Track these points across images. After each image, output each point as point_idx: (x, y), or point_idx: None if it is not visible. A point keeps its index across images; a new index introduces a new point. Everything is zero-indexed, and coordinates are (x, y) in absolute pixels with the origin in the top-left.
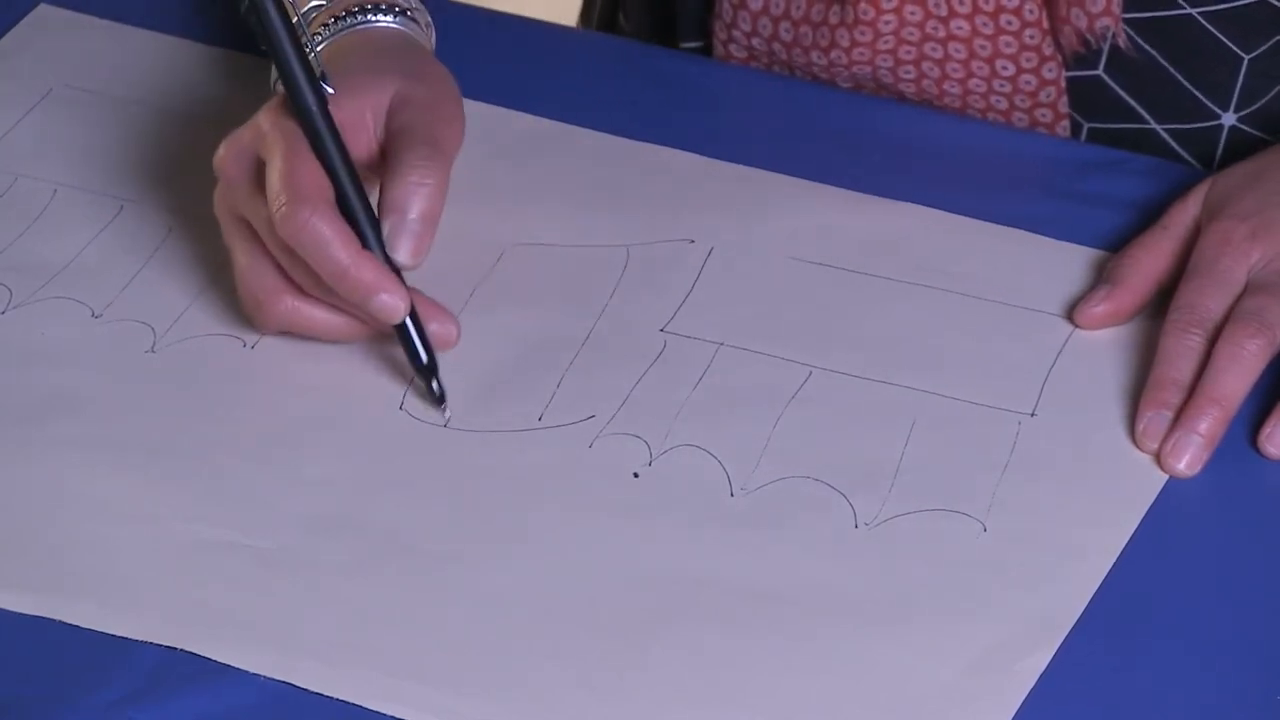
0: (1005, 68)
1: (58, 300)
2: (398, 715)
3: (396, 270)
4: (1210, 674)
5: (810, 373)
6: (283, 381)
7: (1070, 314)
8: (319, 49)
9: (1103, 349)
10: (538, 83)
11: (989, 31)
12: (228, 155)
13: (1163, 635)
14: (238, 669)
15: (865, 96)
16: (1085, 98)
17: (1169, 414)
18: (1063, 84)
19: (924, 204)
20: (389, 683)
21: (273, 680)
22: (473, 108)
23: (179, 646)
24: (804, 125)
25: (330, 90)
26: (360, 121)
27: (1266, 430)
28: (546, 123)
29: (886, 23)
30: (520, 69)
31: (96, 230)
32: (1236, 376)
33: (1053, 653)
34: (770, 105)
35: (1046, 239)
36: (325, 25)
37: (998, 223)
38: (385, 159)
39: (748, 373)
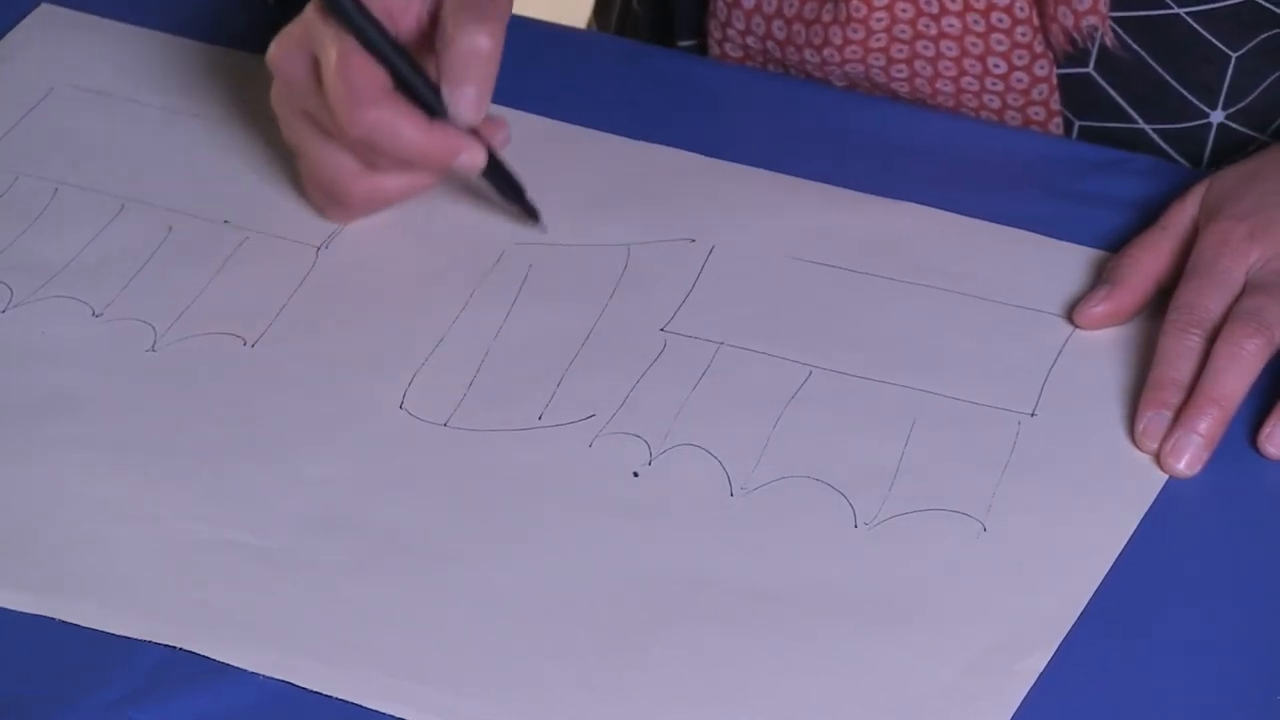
0: (997, 65)
1: (58, 299)
2: (398, 715)
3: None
4: (1210, 674)
5: (810, 373)
6: (283, 381)
7: (1070, 314)
8: None
9: (1102, 349)
10: (538, 83)
11: (980, 29)
12: (280, 53)
13: (1163, 635)
14: (238, 669)
15: (866, 96)
16: (1076, 96)
17: (1168, 414)
18: (1054, 81)
19: (924, 204)
20: (389, 682)
21: (273, 680)
22: None
23: (179, 646)
24: (804, 125)
25: None
26: (405, 2)
27: (1266, 430)
28: (547, 122)
29: (879, 20)
30: (521, 69)
31: (97, 229)
32: (1235, 376)
33: (1052, 653)
34: (771, 105)
35: (1046, 239)
36: None
37: (998, 223)
38: (435, 28)
39: (748, 372)
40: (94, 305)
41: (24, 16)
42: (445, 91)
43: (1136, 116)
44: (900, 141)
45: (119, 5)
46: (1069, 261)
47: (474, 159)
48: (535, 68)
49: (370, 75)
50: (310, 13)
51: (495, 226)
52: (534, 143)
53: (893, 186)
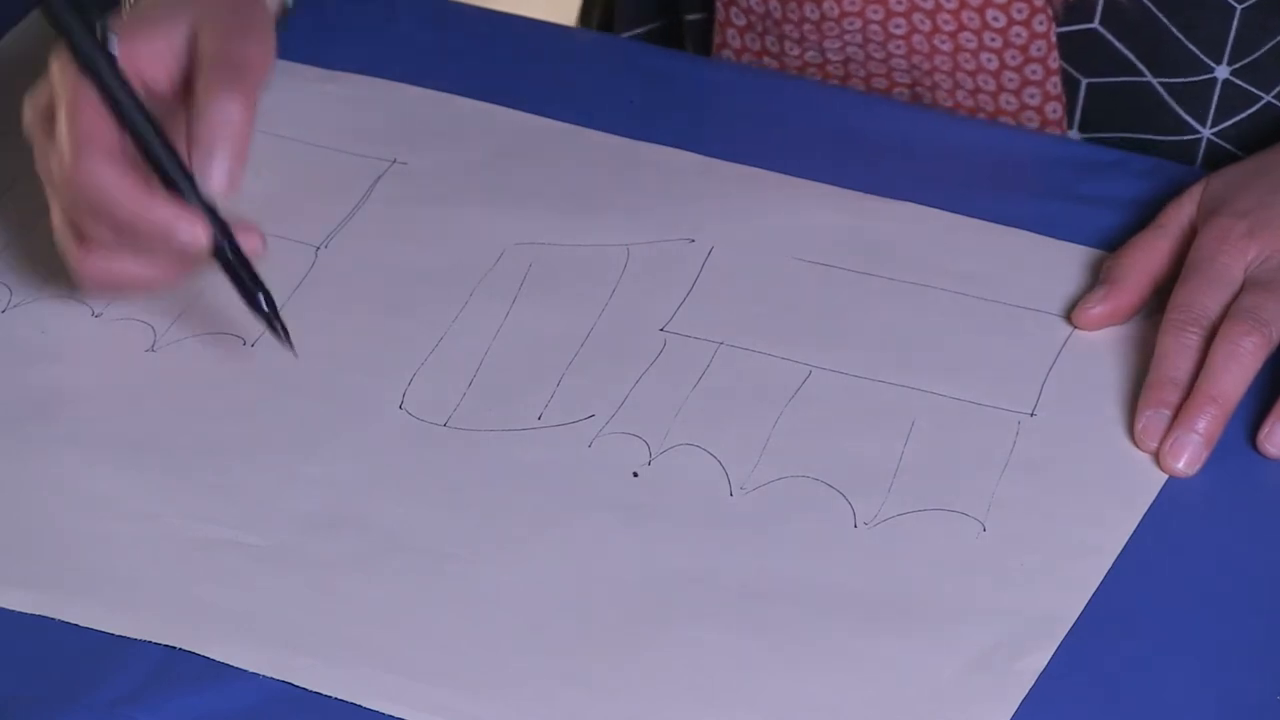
0: (996, 19)
1: (58, 299)
2: (398, 714)
3: (211, 205)
4: (1210, 674)
5: (810, 372)
6: (283, 381)
7: (1069, 316)
8: None
9: (1102, 349)
10: (538, 82)
11: None
12: (31, 115)
13: (1162, 635)
14: (238, 669)
15: (867, 96)
16: (1081, 51)
17: (1168, 413)
18: (1053, 38)
19: (924, 203)
20: (389, 681)
21: (273, 680)
22: (473, 107)
23: (179, 645)
24: (805, 125)
25: (114, 38)
26: (156, 51)
27: (1266, 429)
28: (547, 122)
29: None
30: (520, 69)
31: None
32: (1234, 374)
33: (1052, 652)
34: (771, 105)
35: (1046, 239)
36: None
37: (998, 222)
38: (189, 88)
39: (748, 372)
40: (94, 305)
41: (24, 17)
42: (194, 161)
43: (1144, 70)
44: (900, 141)
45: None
46: (1069, 261)
47: (194, 235)
48: (534, 67)
49: (99, 127)
50: (53, 59)
51: (495, 226)
52: (534, 143)
53: (893, 186)
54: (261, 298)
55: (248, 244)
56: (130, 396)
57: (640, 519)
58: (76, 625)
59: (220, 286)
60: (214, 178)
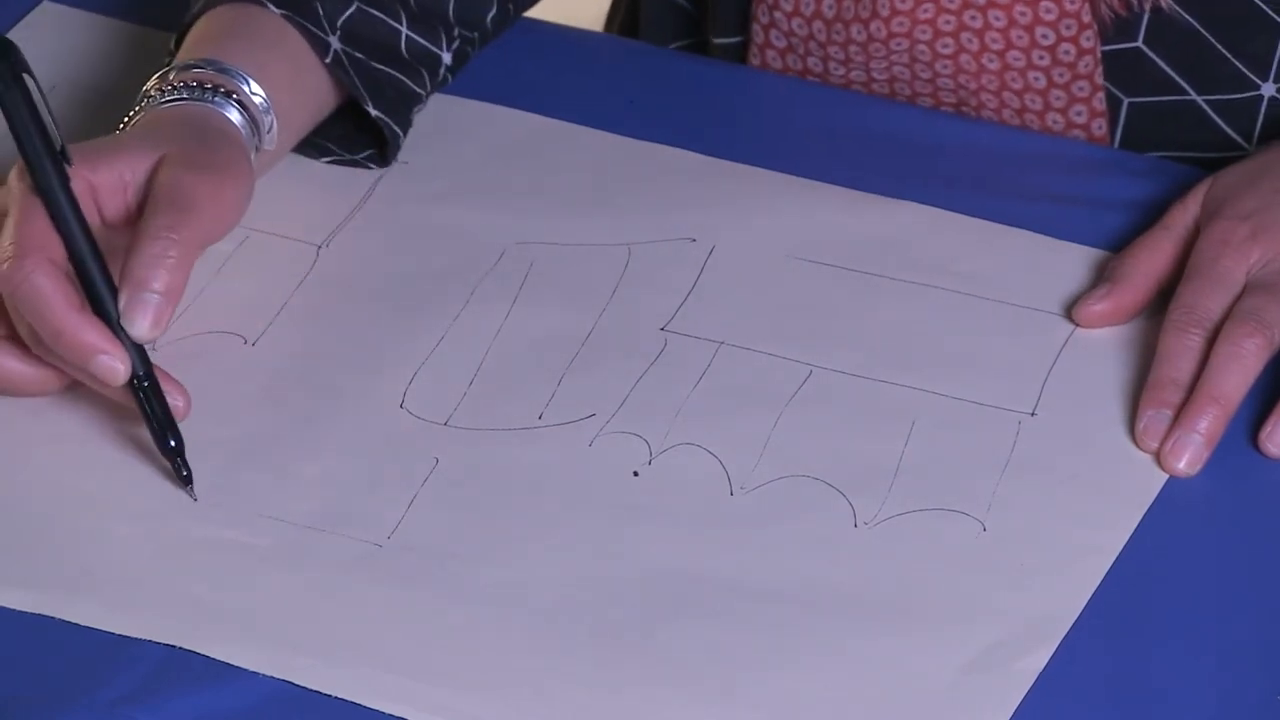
0: (1045, 36)
1: None
2: (398, 714)
3: (129, 339)
4: (1210, 674)
5: (810, 372)
6: (283, 380)
7: (1071, 313)
8: (143, 115)
9: (1103, 349)
10: (539, 82)
11: None
12: None
13: (1162, 635)
14: (238, 669)
15: (866, 95)
16: (1125, 72)
17: (1169, 413)
18: (1099, 54)
19: (924, 203)
20: (389, 681)
21: (273, 679)
22: (473, 107)
23: (179, 645)
24: (805, 124)
25: (69, 164)
26: (117, 181)
27: (1267, 429)
28: (547, 122)
29: None
30: (521, 69)
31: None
32: (1236, 375)
33: (1051, 652)
34: (771, 105)
35: (1046, 239)
36: (163, 92)
37: (998, 222)
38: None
39: (748, 372)
40: None
41: (26, 14)
42: (123, 296)
43: (1188, 88)
44: (901, 141)
45: (120, 4)
46: (1069, 261)
47: (113, 365)
48: (535, 67)
49: (45, 238)
50: (13, 171)
51: (495, 226)
52: (534, 143)
53: (893, 186)
54: (170, 438)
55: (174, 398)
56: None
57: (641, 518)
58: (76, 625)
59: (220, 286)
60: (141, 316)
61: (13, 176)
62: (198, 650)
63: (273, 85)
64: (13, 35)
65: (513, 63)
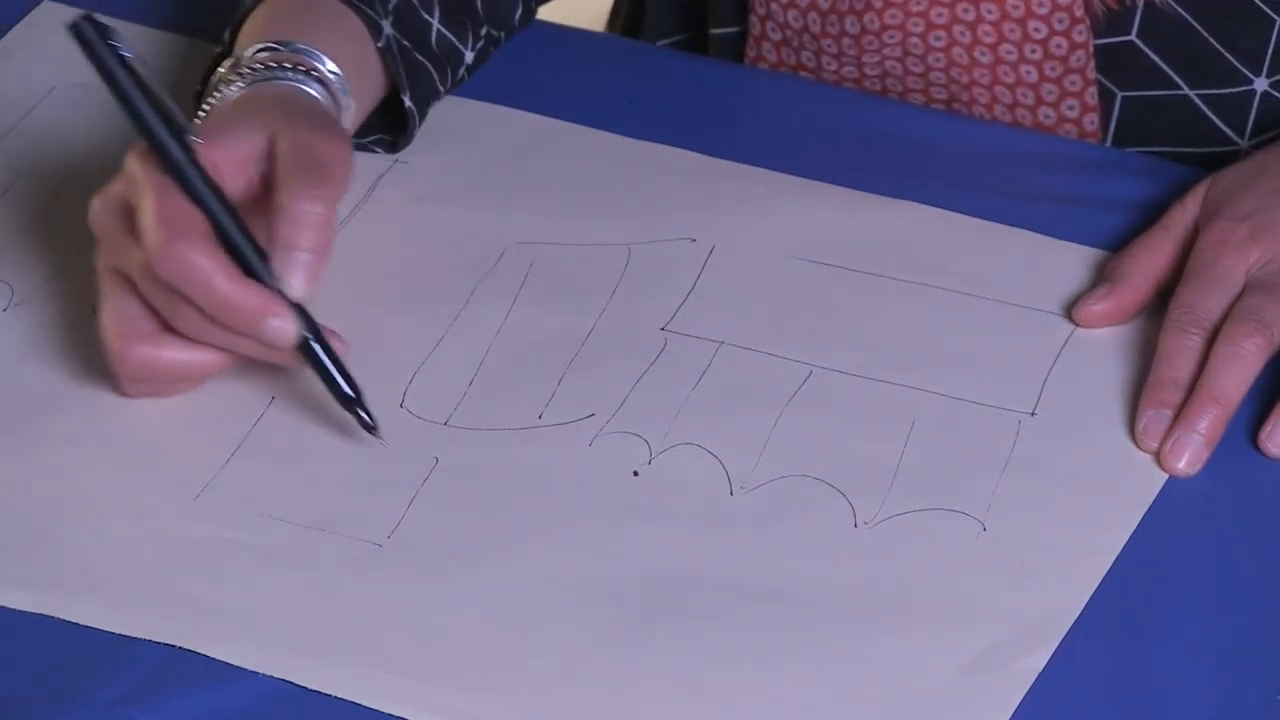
0: (1037, 29)
1: (59, 298)
2: (398, 714)
3: (290, 301)
4: (1210, 674)
5: (810, 372)
6: (283, 380)
7: (1070, 312)
8: (229, 97)
9: (1103, 349)
10: (539, 82)
11: None
12: (100, 209)
13: (1162, 635)
14: (238, 669)
15: (867, 95)
16: (1118, 65)
17: (1169, 413)
18: (1091, 48)
19: (924, 203)
20: (389, 681)
21: (273, 679)
22: (473, 107)
23: (179, 644)
24: (805, 124)
25: (196, 139)
26: (236, 156)
27: (1267, 429)
28: (547, 122)
29: None
30: (521, 69)
31: None
32: (1235, 375)
33: (1051, 652)
34: (771, 104)
35: (1046, 239)
36: (242, 75)
37: (998, 222)
38: (270, 191)
39: (748, 372)
40: (95, 303)
41: (26, 14)
42: (276, 258)
43: (1181, 83)
44: (900, 141)
45: (121, 4)
46: (1069, 261)
47: (285, 327)
48: (535, 66)
49: (188, 216)
50: (131, 158)
51: (495, 226)
52: (534, 143)
53: (893, 186)
54: (346, 385)
55: (336, 343)
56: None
57: (641, 518)
58: (76, 625)
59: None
60: (296, 276)
61: (131, 162)
62: (198, 650)
63: (344, 64)
64: (13, 35)
65: (513, 63)
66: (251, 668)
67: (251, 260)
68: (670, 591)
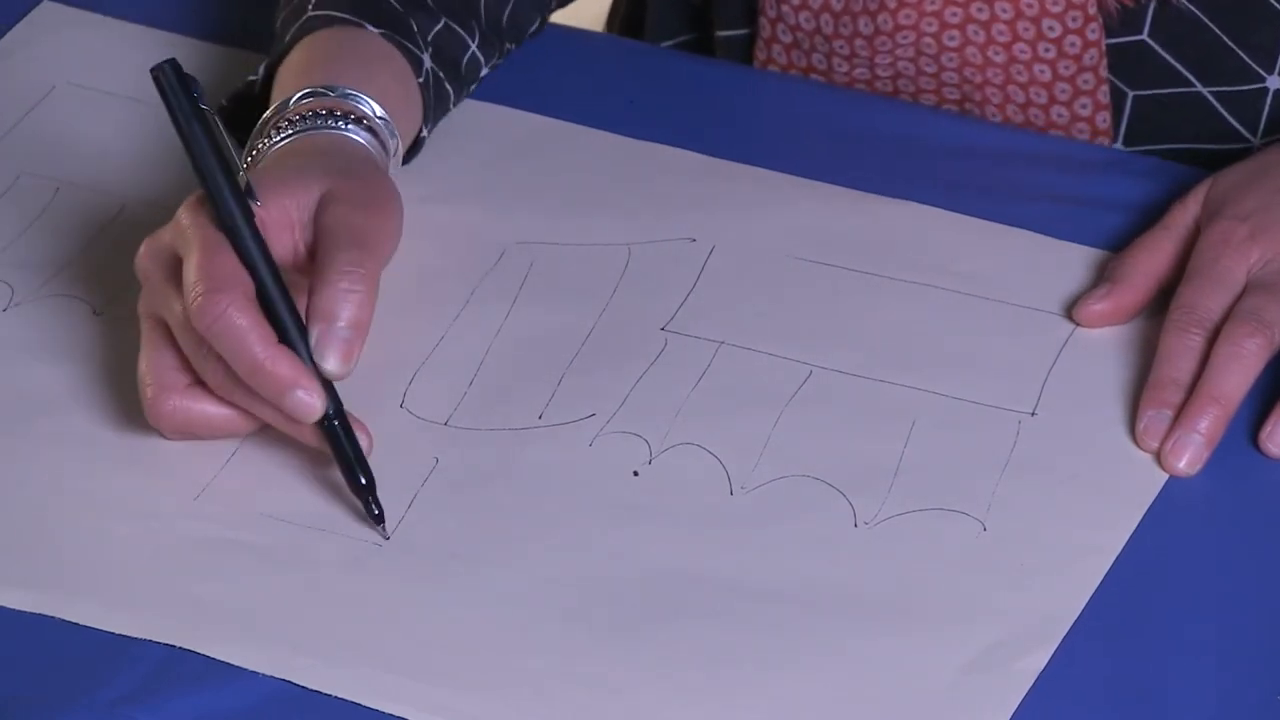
0: (1051, 28)
1: (59, 298)
2: (398, 714)
3: (320, 376)
4: (1210, 674)
5: (810, 372)
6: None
7: (1071, 312)
8: (277, 146)
9: (1103, 348)
10: (539, 82)
11: None
12: (147, 254)
13: (1162, 635)
14: (238, 668)
15: (867, 95)
16: (1130, 65)
17: (1169, 413)
18: (1104, 47)
19: (925, 203)
20: (389, 681)
21: (273, 679)
22: (473, 107)
23: (179, 644)
24: (805, 124)
25: (257, 203)
26: (285, 219)
27: (1267, 429)
28: (547, 122)
29: None
30: (521, 69)
31: (98, 228)
32: (1236, 375)
33: (1051, 652)
34: (772, 105)
35: (1046, 239)
36: (290, 122)
37: (998, 222)
38: (313, 260)
39: (748, 371)
40: (95, 303)
41: (26, 14)
42: (312, 333)
43: (1194, 80)
44: (901, 141)
45: (121, 3)
46: (1069, 261)
47: (310, 401)
48: (536, 67)
49: (233, 272)
50: (184, 209)
51: (495, 226)
52: (534, 142)
53: (893, 186)
54: (361, 476)
55: (360, 436)
56: (131, 395)
57: (641, 518)
58: (76, 625)
59: None
60: (330, 354)
61: (184, 213)
62: (198, 650)
63: (391, 106)
64: (13, 35)
65: (514, 63)
66: (251, 668)
67: (290, 329)
68: (670, 591)
